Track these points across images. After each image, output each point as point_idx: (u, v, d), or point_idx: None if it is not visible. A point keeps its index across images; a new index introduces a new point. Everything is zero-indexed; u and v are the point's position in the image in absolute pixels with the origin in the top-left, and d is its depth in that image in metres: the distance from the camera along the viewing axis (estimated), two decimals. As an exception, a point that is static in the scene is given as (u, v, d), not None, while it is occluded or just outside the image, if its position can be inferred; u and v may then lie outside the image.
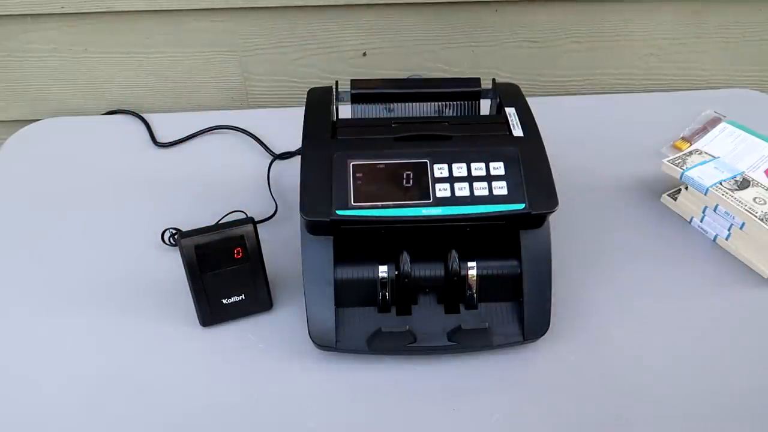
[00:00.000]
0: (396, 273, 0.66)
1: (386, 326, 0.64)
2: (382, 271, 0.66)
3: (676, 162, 0.83)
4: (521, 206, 0.63)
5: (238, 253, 0.66)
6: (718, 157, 0.83)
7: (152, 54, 1.02)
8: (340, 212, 0.62)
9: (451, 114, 0.76)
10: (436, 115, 0.76)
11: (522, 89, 0.76)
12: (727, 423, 0.63)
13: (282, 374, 0.67)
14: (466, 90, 0.75)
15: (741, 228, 0.75)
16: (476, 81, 0.76)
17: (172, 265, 0.71)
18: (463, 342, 0.65)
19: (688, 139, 0.94)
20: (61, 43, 1.00)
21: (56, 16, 0.97)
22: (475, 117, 0.76)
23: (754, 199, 0.76)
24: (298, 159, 0.82)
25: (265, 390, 0.65)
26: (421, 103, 0.76)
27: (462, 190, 0.63)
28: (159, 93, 1.06)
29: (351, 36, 1.02)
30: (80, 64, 1.02)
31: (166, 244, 0.79)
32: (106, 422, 0.63)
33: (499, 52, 1.05)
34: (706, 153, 0.84)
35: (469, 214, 0.62)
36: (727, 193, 0.77)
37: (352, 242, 0.66)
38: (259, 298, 0.71)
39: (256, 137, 0.96)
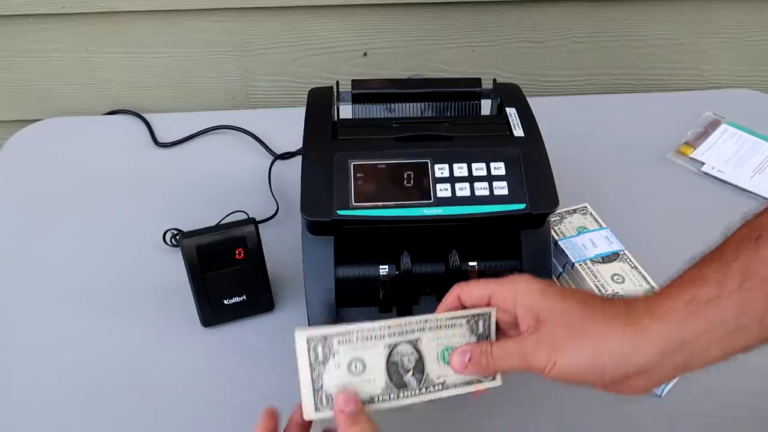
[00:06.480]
0: (397, 273, 0.66)
1: (387, 326, 0.64)
2: (383, 270, 0.66)
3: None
4: (522, 206, 0.63)
5: (239, 253, 0.66)
6: (605, 227, 0.75)
7: (152, 54, 1.02)
8: (340, 212, 0.62)
9: (451, 114, 0.76)
10: (437, 115, 0.76)
11: (522, 89, 0.76)
12: (730, 423, 0.63)
13: (283, 374, 0.67)
14: (467, 90, 0.75)
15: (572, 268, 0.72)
16: (477, 81, 0.76)
17: (174, 265, 0.71)
18: (464, 342, 0.65)
19: (692, 144, 0.94)
20: (62, 43, 1.00)
21: (57, 16, 0.96)
22: (475, 117, 0.76)
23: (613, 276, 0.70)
24: (298, 159, 0.82)
25: (266, 390, 0.65)
26: (422, 103, 0.76)
27: (463, 190, 0.63)
28: (159, 93, 1.06)
29: (351, 36, 1.02)
30: (81, 64, 1.02)
31: (167, 244, 0.79)
32: (107, 422, 0.63)
33: (500, 52, 1.05)
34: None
35: (469, 214, 0.62)
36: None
37: (353, 242, 0.66)
38: (260, 299, 0.71)
39: (256, 137, 0.96)
